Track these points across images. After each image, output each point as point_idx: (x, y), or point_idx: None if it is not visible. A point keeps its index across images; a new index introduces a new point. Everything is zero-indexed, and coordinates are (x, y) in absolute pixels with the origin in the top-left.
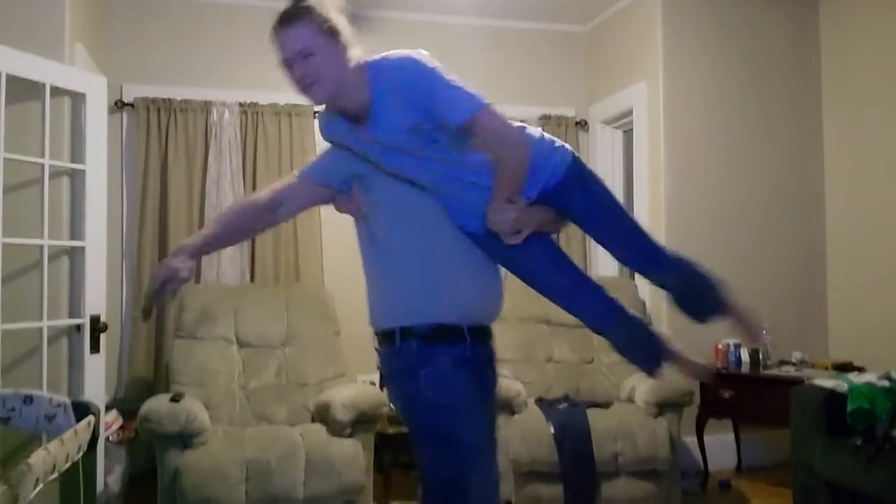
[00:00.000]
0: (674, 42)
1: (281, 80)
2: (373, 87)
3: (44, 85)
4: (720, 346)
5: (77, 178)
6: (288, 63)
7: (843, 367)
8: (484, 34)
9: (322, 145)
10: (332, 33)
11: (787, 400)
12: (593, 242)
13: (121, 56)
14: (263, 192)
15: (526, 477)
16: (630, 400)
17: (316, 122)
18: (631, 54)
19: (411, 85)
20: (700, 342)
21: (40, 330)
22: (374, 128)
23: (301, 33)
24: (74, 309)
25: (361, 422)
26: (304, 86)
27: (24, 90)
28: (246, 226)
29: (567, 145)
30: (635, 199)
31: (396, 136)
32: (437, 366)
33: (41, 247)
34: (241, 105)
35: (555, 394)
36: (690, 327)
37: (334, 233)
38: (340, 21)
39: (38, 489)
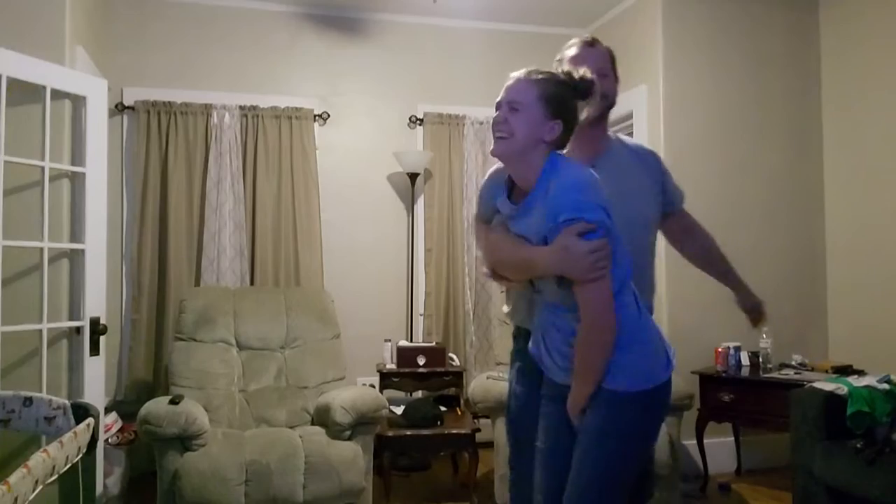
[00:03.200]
0: (674, 45)
1: (280, 83)
2: (541, 178)
3: (44, 88)
4: (720, 349)
5: (77, 180)
6: (498, 105)
7: (843, 370)
8: (483, 37)
9: (321, 149)
10: (551, 105)
11: (786, 403)
12: None
13: (121, 59)
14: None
15: None
16: None
17: (315, 125)
18: (631, 57)
19: (554, 211)
20: (700, 345)
21: (40, 332)
22: (520, 211)
23: (522, 89)
24: (74, 311)
25: (361, 424)
26: (496, 132)
27: (24, 93)
28: None
29: (669, 368)
30: None
31: (527, 233)
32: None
33: (41, 249)
34: (241, 108)
35: None
36: (691, 329)
37: (334, 235)
38: (565, 101)
39: (37, 491)
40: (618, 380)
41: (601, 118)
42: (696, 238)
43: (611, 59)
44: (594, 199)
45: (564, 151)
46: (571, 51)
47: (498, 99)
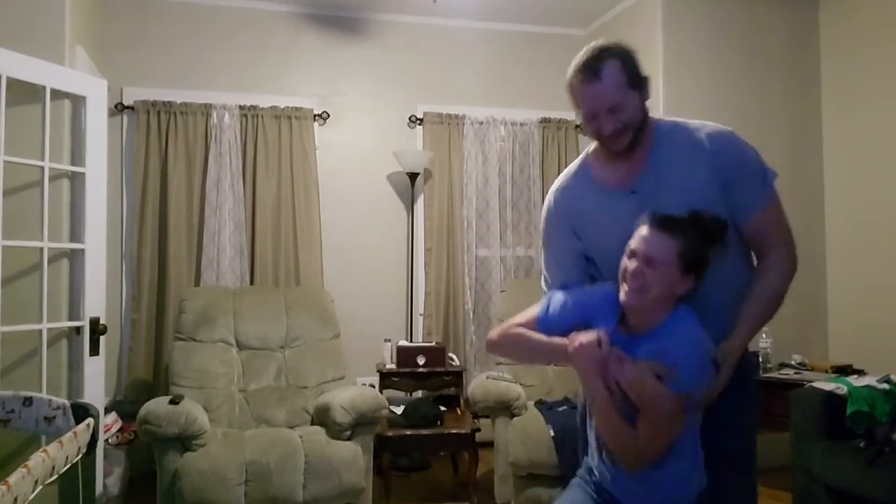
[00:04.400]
0: (674, 45)
1: (280, 83)
2: (663, 326)
3: (44, 88)
4: None
5: (77, 180)
6: (631, 252)
7: (843, 370)
8: (484, 37)
9: (320, 149)
10: (687, 262)
11: (786, 403)
12: None
13: (121, 59)
14: None
15: (526, 479)
16: None
17: (315, 125)
18: None
19: (670, 358)
20: None
21: (40, 332)
22: (629, 344)
23: (661, 246)
24: (74, 311)
25: (361, 424)
26: (630, 283)
27: (24, 93)
28: None
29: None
30: None
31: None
32: None
33: (41, 249)
34: (241, 108)
35: (555, 396)
36: None
37: (334, 235)
38: (701, 256)
39: (36, 491)
40: None
41: (632, 145)
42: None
43: (626, 77)
44: (703, 369)
45: (599, 177)
46: (574, 82)
47: (632, 246)
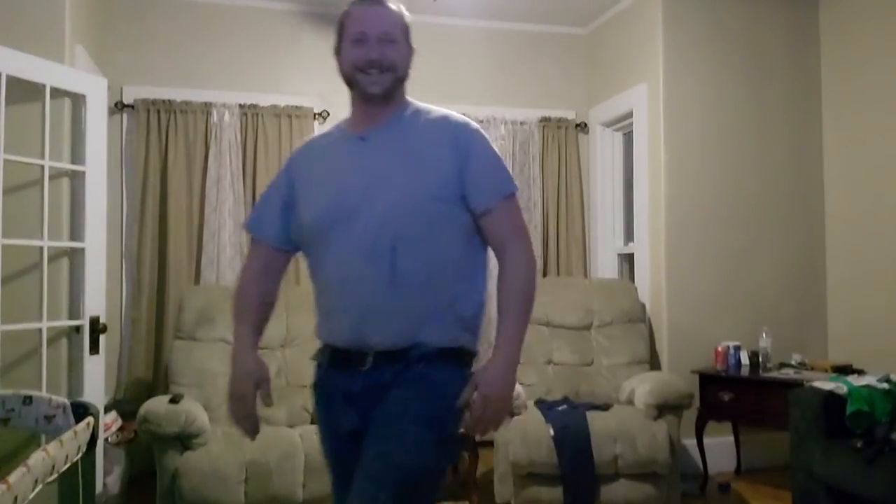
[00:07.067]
0: (674, 44)
1: (280, 81)
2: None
3: (44, 86)
4: (720, 349)
5: (77, 179)
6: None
7: (843, 370)
8: (484, 36)
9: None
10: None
11: (786, 402)
12: (594, 247)
13: (121, 57)
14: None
15: (525, 479)
16: (630, 402)
17: (316, 124)
18: (631, 56)
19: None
20: (700, 344)
21: (40, 331)
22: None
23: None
24: (74, 310)
25: None
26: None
27: (24, 91)
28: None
29: None
30: (635, 202)
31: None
32: None
33: (41, 248)
34: (241, 107)
35: (555, 396)
36: (691, 329)
37: None
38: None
39: (36, 490)
40: None
41: (387, 95)
42: (501, 272)
43: (403, 24)
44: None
45: (343, 125)
46: (350, 9)
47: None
